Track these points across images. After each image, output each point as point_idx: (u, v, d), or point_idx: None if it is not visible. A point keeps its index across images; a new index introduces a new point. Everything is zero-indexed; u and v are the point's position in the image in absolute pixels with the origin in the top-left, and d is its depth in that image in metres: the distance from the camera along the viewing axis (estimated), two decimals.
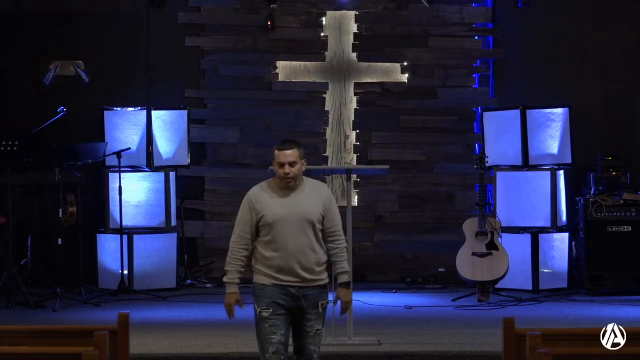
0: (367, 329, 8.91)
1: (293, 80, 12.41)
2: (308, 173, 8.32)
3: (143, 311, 10.11)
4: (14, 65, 12.07)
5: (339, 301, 6.55)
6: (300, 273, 6.32)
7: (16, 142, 10.45)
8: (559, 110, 11.67)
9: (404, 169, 12.38)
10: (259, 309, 6.34)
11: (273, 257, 6.33)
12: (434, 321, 9.62)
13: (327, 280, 6.47)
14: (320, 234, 6.43)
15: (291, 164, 6.36)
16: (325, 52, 12.42)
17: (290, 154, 6.38)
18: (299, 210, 6.34)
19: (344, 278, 6.48)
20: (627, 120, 12.37)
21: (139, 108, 11.70)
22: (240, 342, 8.37)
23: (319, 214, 6.38)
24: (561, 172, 11.63)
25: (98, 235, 11.55)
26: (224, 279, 6.45)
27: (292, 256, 6.31)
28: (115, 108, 11.70)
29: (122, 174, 11.15)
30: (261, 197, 6.40)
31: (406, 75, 12.42)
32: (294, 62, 12.44)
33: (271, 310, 6.31)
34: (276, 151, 6.41)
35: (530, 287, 11.32)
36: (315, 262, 6.38)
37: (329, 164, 12.16)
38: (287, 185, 6.39)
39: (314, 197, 6.42)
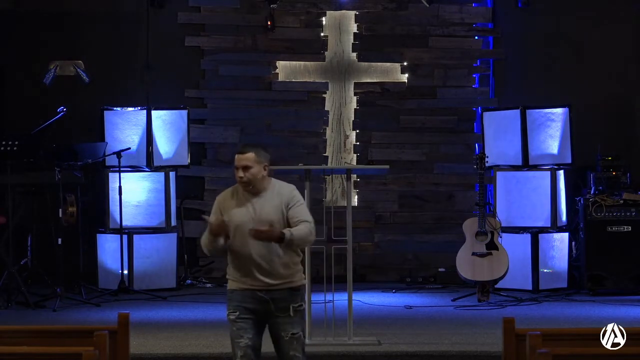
0: (367, 329, 8.90)
1: (293, 80, 12.41)
2: (310, 172, 8.37)
3: (143, 311, 10.10)
4: (14, 65, 12.08)
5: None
6: (263, 279, 6.19)
7: (16, 142, 10.42)
8: (559, 110, 11.66)
9: (404, 169, 12.38)
10: (227, 312, 6.28)
11: (236, 262, 6.27)
12: (434, 321, 9.61)
13: (299, 283, 6.31)
14: None
15: (245, 168, 6.21)
16: (325, 52, 12.42)
17: (244, 158, 6.23)
18: (258, 216, 6.21)
19: (285, 233, 6.15)
20: (627, 120, 12.37)
21: (139, 108, 11.69)
22: None
23: (280, 217, 6.24)
24: (561, 172, 11.63)
25: (98, 235, 11.54)
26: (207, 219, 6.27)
27: (253, 262, 6.19)
28: (115, 108, 11.70)
29: (122, 174, 11.15)
30: (227, 201, 6.35)
31: (406, 75, 12.42)
32: (294, 62, 12.44)
33: (237, 313, 6.21)
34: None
35: (530, 287, 11.31)
36: (282, 265, 6.23)
37: (329, 164, 12.16)
38: (246, 190, 6.28)
39: (274, 201, 6.25)
